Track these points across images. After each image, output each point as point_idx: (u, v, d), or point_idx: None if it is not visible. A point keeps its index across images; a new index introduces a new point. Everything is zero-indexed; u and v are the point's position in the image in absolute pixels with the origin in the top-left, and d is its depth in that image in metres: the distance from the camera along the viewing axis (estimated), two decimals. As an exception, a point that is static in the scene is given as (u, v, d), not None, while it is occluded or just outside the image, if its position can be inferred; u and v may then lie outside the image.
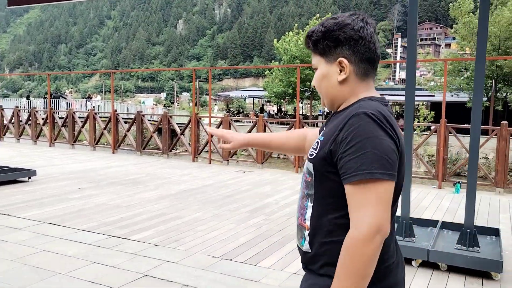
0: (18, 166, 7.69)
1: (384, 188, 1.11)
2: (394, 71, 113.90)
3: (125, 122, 12.11)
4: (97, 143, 11.94)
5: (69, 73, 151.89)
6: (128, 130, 11.40)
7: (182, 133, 10.64)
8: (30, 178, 7.06)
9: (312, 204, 1.25)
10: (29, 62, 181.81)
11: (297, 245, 1.32)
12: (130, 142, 11.76)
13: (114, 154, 11.08)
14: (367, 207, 1.10)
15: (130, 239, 4.26)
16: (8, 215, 5.04)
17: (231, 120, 10.56)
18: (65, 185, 6.80)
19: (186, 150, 10.68)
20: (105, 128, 11.76)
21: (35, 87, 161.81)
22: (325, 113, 31.60)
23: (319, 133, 1.31)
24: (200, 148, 10.50)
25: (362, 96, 1.24)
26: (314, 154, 1.23)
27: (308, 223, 1.25)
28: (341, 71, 1.24)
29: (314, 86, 1.33)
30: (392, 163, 1.12)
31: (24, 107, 24.16)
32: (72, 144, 12.21)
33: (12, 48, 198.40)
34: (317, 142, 1.25)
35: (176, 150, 12.31)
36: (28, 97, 32.53)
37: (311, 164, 1.23)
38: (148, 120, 11.81)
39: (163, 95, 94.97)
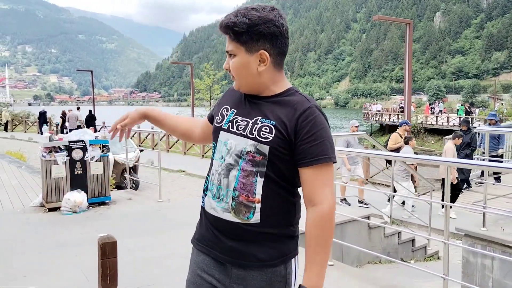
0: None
1: (333, 169, 1.41)
2: None
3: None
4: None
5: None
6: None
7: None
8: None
9: (262, 179, 1.38)
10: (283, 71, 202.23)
11: (233, 221, 1.40)
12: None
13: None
14: (329, 185, 1.37)
15: None
16: None
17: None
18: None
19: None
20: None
21: None
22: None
23: (244, 115, 1.44)
24: None
25: (286, 85, 1.45)
26: (271, 138, 1.36)
27: (258, 196, 1.38)
28: (260, 61, 1.39)
29: (227, 70, 1.46)
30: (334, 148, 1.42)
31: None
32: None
33: None
34: (268, 126, 1.38)
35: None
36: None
37: (267, 147, 1.36)
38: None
39: (423, 97, 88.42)
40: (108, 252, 2.54)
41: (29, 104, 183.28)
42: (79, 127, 20.62)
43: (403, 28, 12.41)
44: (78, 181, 6.01)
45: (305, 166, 1.36)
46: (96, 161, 6.14)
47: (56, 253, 4.17)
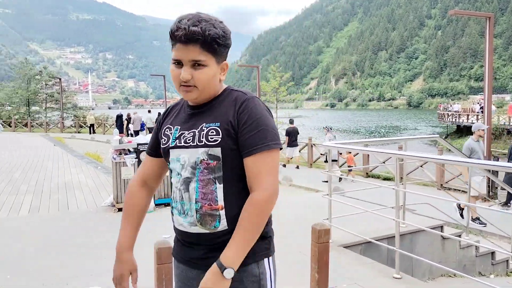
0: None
1: (277, 156, 1.38)
2: None
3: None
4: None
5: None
6: None
7: None
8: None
9: (222, 185, 1.38)
10: (352, 71, 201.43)
11: (203, 233, 1.39)
12: None
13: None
14: (269, 173, 1.34)
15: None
16: None
17: None
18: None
19: None
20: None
21: (358, 94, 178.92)
22: None
23: (179, 124, 1.46)
24: None
25: (222, 87, 1.46)
26: (219, 139, 1.36)
27: (221, 203, 1.38)
28: (221, 71, 1.42)
29: (186, 81, 1.35)
30: (278, 135, 1.40)
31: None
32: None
33: (336, 60, 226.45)
34: (213, 129, 1.37)
35: None
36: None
37: (218, 149, 1.36)
38: None
39: (507, 96, 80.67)
40: (163, 257, 2.54)
41: (109, 108, 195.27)
42: (149, 129, 21.54)
43: (482, 23, 11.55)
44: (145, 182, 6.19)
45: (246, 156, 1.35)
46: (163, 163, 6.29)
47: (121, 253, 4.29)
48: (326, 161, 11.98)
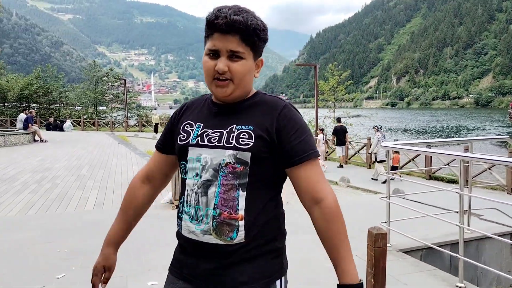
0: None
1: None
2: None
3: None
4: None
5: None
6: None
7: None
8: None
9: (245, 193, 1.26)
10: (415, 69, 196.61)
11: (215, 244, 1.25)
12: None
13: None
14: (324, 179, 1.29)
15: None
16: None
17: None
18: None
19: None
20: None
21: (421, 93, 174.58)
22: None
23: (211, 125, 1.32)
24: None
25: (253, 89, 1.37)
26: (251, 144, 1.25)
27: (241, 212, 1.25)
28: (257, 67, 1.34)
29: (222, 72, 1.25)
30: None
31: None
32: None
33: (397, 57, 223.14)
34: (246, 132, 1.26)
35: None
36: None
37: (249, 154, 1.24)
38: None
39: None
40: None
41: (170, 108, 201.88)
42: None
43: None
44: (202, 181, 6.32)
45: (297, 164, 1.27)
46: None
47: (178, 249, 4.39)
48: (379, 161, 11.65)
